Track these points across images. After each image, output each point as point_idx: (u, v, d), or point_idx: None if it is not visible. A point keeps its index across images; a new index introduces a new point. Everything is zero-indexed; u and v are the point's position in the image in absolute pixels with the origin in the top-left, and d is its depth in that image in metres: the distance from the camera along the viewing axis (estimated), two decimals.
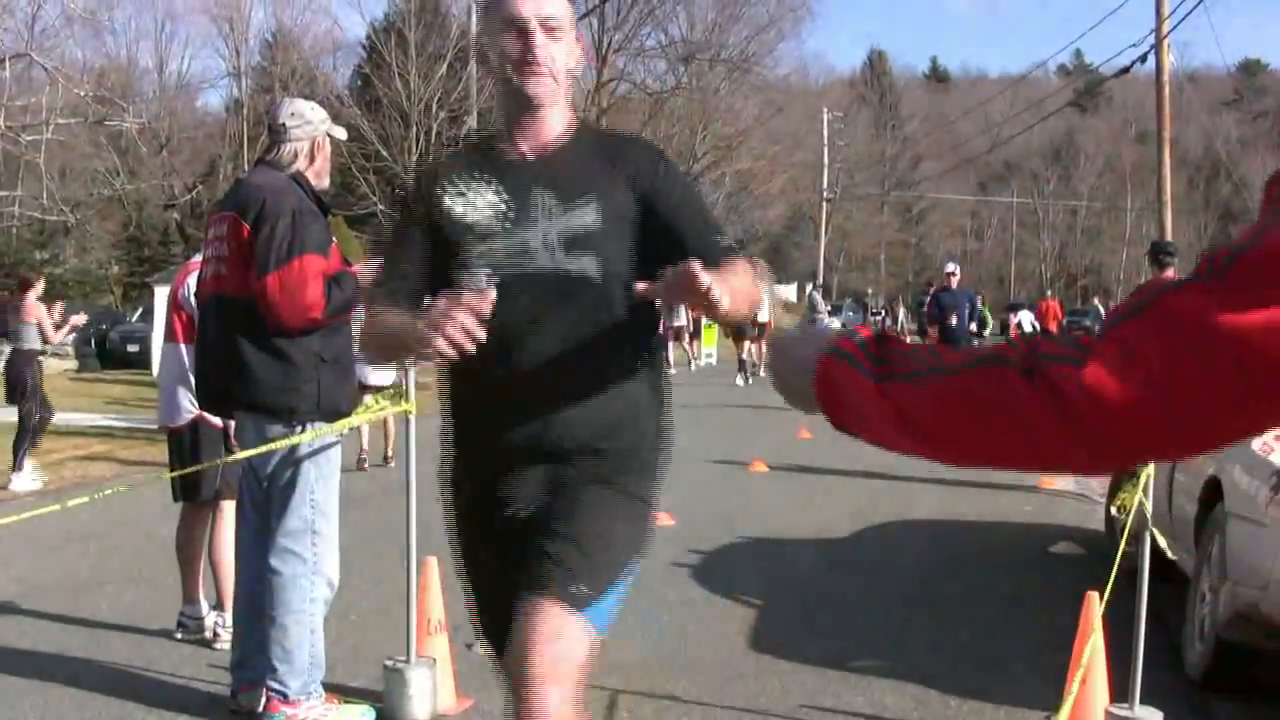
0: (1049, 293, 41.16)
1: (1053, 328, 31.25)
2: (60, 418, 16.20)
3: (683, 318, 25.46)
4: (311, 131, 4.39)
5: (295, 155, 4.36)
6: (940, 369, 1.18)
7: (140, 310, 30.53)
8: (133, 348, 27.34)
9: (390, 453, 12.38)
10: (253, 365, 4.16)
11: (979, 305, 23.35)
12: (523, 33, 2.45)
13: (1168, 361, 1.06)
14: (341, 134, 4.63)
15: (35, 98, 19.29)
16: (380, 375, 12.71)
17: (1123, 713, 4.17)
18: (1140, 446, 1.13)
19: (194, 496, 5.47)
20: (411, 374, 4.92)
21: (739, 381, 23.05)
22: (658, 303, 2.45)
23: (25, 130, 18.38)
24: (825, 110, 58.70)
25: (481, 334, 2.18)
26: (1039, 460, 1.22)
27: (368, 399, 12.93)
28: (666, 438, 2.64)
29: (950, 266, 15.69)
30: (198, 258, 5.29)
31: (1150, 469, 4.70)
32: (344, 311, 4.29)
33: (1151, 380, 1.06)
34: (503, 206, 2.50)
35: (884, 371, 1.21)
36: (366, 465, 11.91)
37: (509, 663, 2.35)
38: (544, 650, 2.24)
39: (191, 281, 5.13)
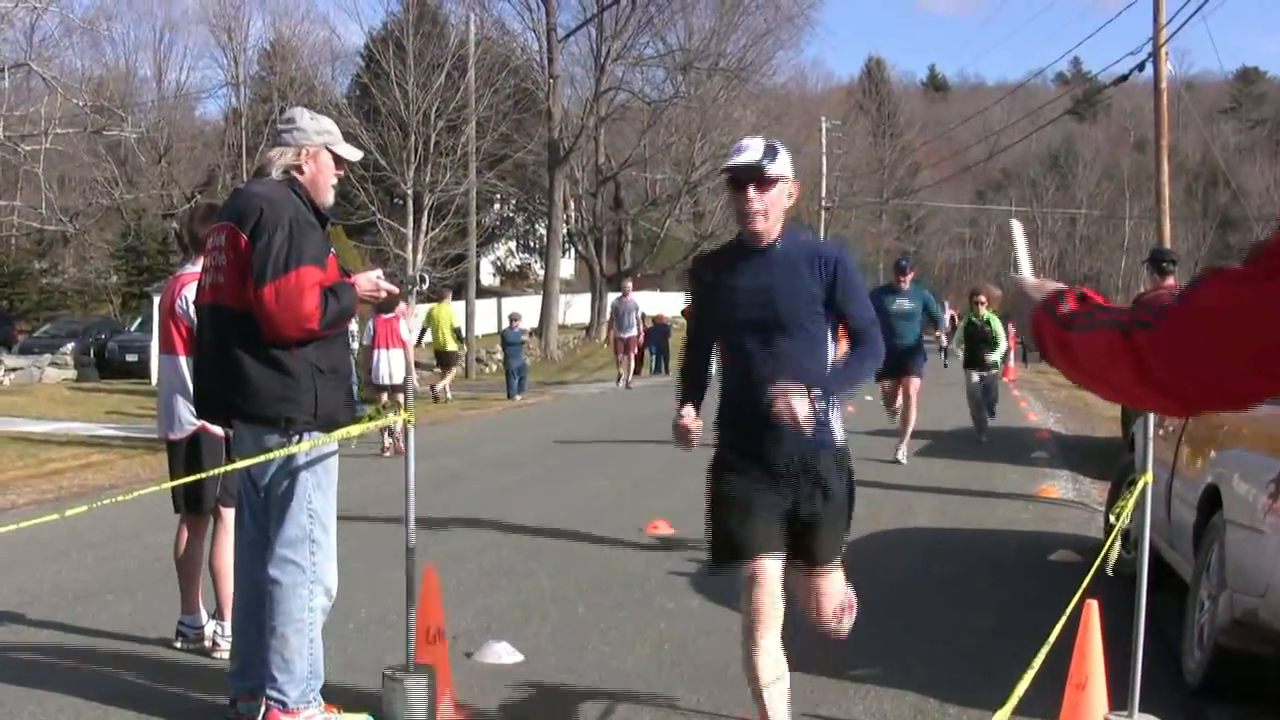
0: None
1: None
2: (59, 427, 16.25)
3: (633, 329, 25.18)
4: (302, 139, 4.35)
5: (280, 157, 4.34)
6: (1090, 325, 1.65)
7: (139, 320, 30.55)
8: (131, 357, 27.39)
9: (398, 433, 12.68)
10: (250, 375, 4.15)
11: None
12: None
13: (1201, 334, 1.44)
14: (354, 155, 4.58)
15: (34, 107, 19.30)
16: (392, 374, 12.90)
17: None
18: (1190, 397, 1.54)
19: (196, 507, 5.46)
20: (413, 380, 4.92)
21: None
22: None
23: (24, 140, 18.39)
24: (823, 118, 58.74)
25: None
26: (1125, 396, 1.71)
27: (383, 398, 13.22)
28: None
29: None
30: (189, 268, 5.28)
31: (1148, 477, 4.71)
32: (341, 322, 4.28)
33: (1195, 348, 1.45)
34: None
35: (1066, 322, 1.71)
36: (389, 454, 12.30)
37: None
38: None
39: (189, 293, 5.09)
